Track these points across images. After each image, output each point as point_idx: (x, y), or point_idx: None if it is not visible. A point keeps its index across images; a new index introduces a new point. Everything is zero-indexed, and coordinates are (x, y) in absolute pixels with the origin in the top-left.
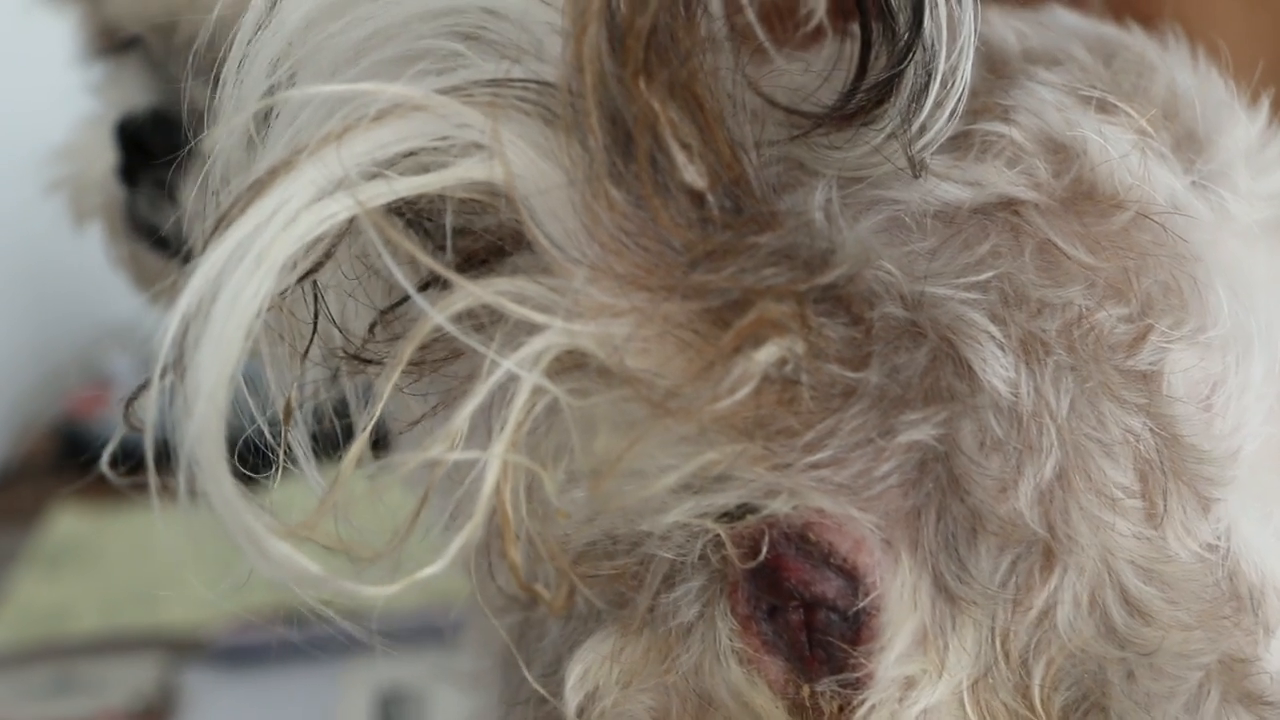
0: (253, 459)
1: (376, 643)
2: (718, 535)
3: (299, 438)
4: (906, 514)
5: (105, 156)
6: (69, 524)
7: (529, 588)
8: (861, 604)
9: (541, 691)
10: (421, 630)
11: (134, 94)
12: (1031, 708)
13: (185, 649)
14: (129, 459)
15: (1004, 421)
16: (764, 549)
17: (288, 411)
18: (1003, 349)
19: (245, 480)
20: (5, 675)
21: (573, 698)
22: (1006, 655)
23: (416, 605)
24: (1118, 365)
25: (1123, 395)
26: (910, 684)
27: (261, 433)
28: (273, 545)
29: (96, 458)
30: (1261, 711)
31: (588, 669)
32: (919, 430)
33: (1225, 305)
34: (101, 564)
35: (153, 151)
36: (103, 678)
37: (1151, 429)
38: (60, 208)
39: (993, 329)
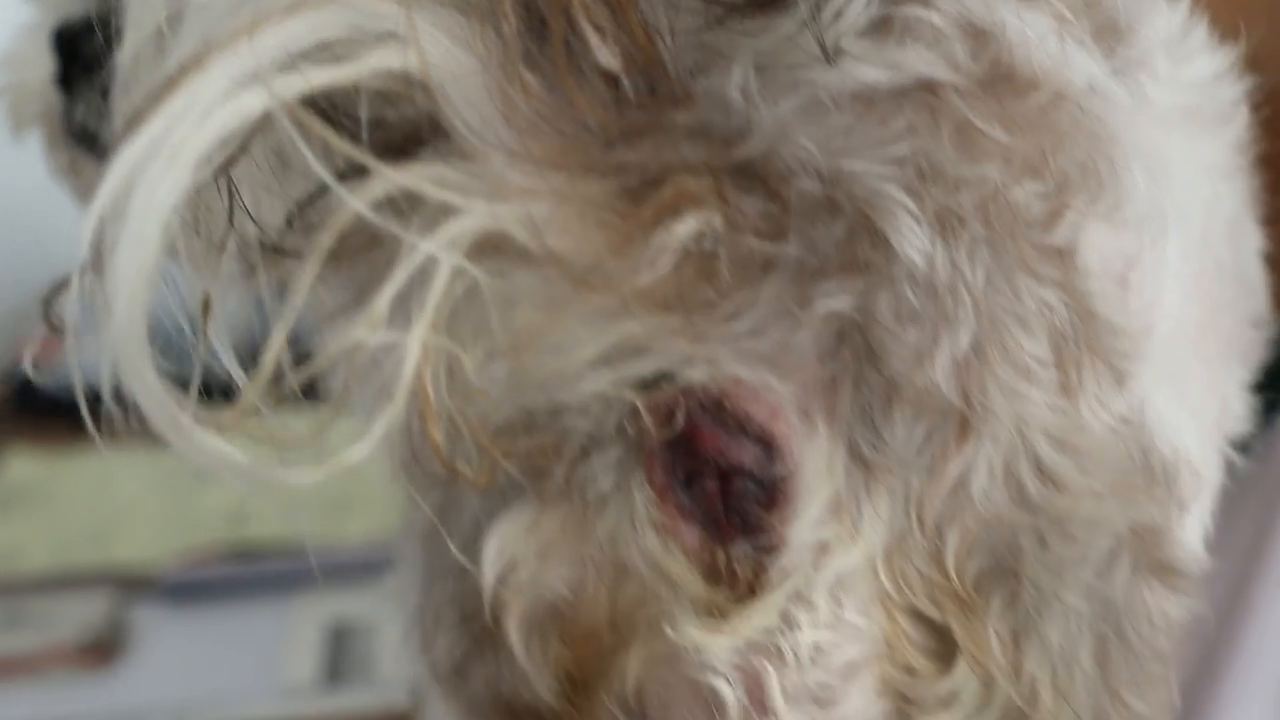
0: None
1: (324, 577)
2: (635, 406)
3: (219, 336)
4: (824, 384)
5: (43, 64)
6: (20, 468)
7: (451, 465)
8: (776, 471)
9: (463, 562)
10: (369, 565)
11: (71, 1)
12: (945, 575)
13: (135, 586)
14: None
15: (920, 293)
16: (680, 418)
17: (206, 306)
18: (918, 222)
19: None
20: None
21: (490, 569)
22: (921, 523)
23: (364, 540)
24: (1033, 241)
25: (1038, 269)
26: (824, 550)
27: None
28: (198, 436)
29: (51, 404)
30: (1173, 582)
31: (505, 541)
32: (836, 300)
33: (1142, 186)
34: (54, 506)
35: (90, 59)
36: (52, 613)
37: (1066, 303)
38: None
39: (909, 203)
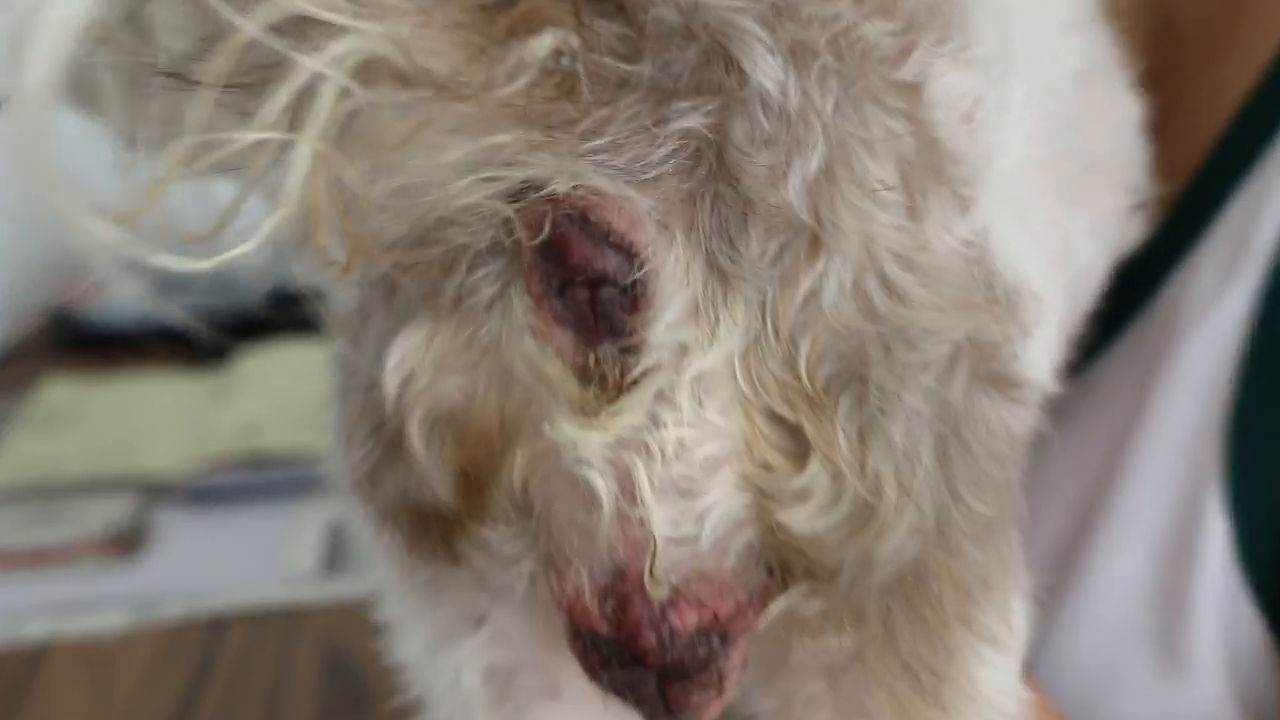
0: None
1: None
2: (508, 218)
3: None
4: (682, 199)
5: None
6: (59, 392)
7: (332, 262)
8: (637, 276)
9: (370, 375)
10: None
11: None
12: (798, 378)
13: (158, 490)
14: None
15: (773, 118)
16: (548, 228)
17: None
18: (772, 52)
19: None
20: None
21: (391, 380)
22: (775, 331)
23: None
24: (882, 75)
25: (886, 101)
26: (684, 351)
27: None
28: (94, 224)
29: (86, 338)
30: (1012, 393)
31: (405, 354)
32: (691, 118)
33: (988, 31)
34: (87, 424)
35: None
36: (83, 512)
37: (912, 132)
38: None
39: (762, 34)
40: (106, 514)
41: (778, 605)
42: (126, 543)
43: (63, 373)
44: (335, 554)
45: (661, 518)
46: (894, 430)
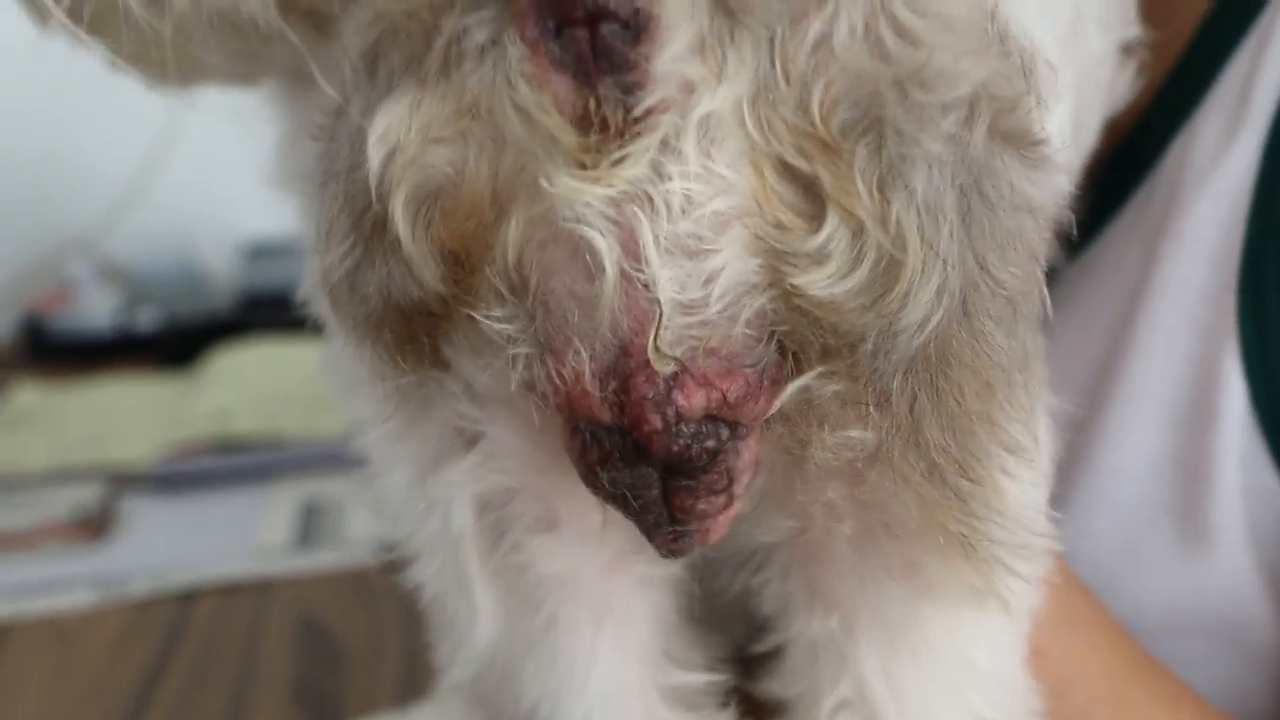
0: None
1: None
2: None
3: None
4: None
5: None
6: (27, 396)
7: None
8: (640, 4)
9: (351, 158)
10: (341, 457)
11: None
12: (812, 123)
13: (126, 480)
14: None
15: None
16: None
17: None
18: None
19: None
20: None
21: (374, 156)
22: (786, 74)
23: (337, 433)
24: None
25: None
26: (690, 89)
27: None
28: None
29: (57, 346)
30: (1031, 154)
31: (389, 125)
32: None
33: None
34: (56, 424)
35: None
36: (50, 499)
37: None
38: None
39: None
40: (73, 500)
41: (792, 388)
42: (94, 527)
43: (32, 380)
44: (309, 530)
45: (667, 279)
46: (916, 178)
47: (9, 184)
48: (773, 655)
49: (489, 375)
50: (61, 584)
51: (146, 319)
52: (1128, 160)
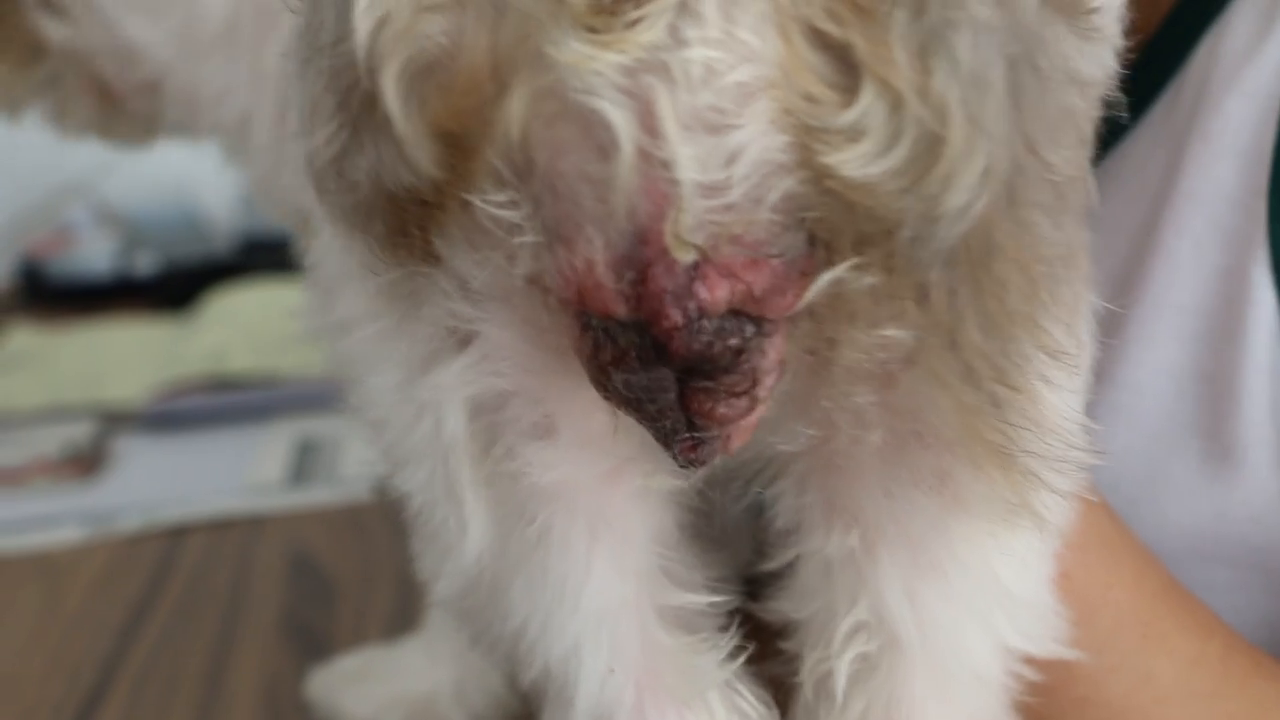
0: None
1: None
2: None
3: None
4: None
5: None
6: (23, 339)
7: None
8: None
9: (336, 30)
10: (335, 394)
11: None
12: None
13: (119, 418)
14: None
15: None
16: None
17: None
18: None
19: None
20: None
21: (362, 26)
22: None
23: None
24: None
25: None
26: None
27: None
28: None
29: (55, 291)
30: (1080, 21)
31: None
32: None
33: None
34: (51, 364)
35: None
36: (42, 437)
37: None
38: None
39: None
40: (65, 437)
41: (824, 280)
42: (85, 463)
43: (30, 324)
44: (303, 468)
45: (688, 156)
46: (960, 45)
47: (6, 128)
48: (782, 574)
49: (486, 270)
50: (51, 520)
51: (145, 263)
52: (1154, 59)
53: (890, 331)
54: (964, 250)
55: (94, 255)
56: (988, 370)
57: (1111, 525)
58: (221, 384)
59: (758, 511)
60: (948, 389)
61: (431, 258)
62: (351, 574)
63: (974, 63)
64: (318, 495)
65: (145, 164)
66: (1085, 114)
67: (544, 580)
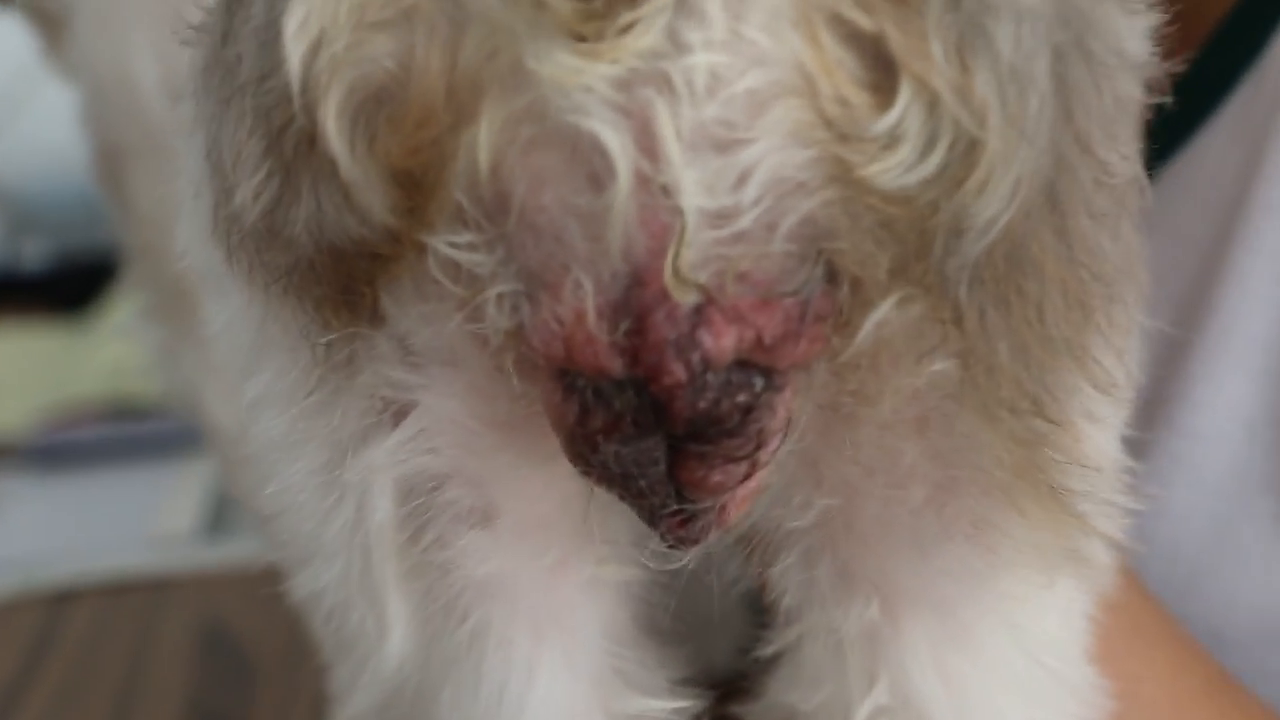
0: None
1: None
2: None
3: None
4: None
5: None
6: None
7: None
8: None
9: (259, 64)
10: None
11: None
12: None
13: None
14: None
15: None
16: None
17: None
18: None
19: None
20: None
21: (294, 51)
22: None
23: None
24: None
25: None
26: None
27: None
28: None
29: None
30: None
31: (309, 10)
32: None
33: None
34: None
35: None
36: None
37: None
38: None
39: None
40: None
41: (870, 322)
42: None
43: None
44: (220, 518)
45: (692, 180)
46: (1001, 36)
47: None
48: (778, 661)
49: (432, 326)
50: None
51: (33, 253)
52: (1225, 47)
53: (938, 366)
54: (988, 267)
55: None
56: (1023, 401)
57: (1144, 606)
58: (123, 410)
59: (749, 594)
60: (993, 422)
61: (377, 319)
62: (273, 651)
63: (1015, 57)
64: (237, 552)
65: (35, 131)
66: (1140, 103)
67: (478, 688)
